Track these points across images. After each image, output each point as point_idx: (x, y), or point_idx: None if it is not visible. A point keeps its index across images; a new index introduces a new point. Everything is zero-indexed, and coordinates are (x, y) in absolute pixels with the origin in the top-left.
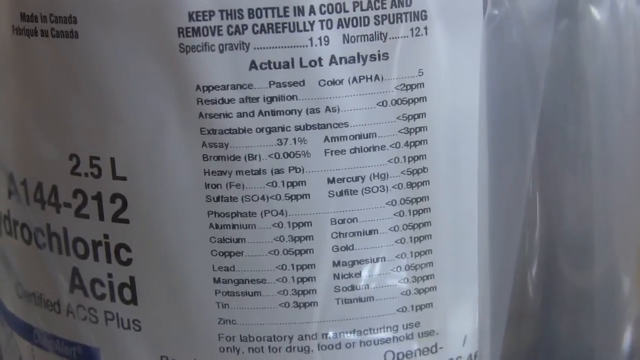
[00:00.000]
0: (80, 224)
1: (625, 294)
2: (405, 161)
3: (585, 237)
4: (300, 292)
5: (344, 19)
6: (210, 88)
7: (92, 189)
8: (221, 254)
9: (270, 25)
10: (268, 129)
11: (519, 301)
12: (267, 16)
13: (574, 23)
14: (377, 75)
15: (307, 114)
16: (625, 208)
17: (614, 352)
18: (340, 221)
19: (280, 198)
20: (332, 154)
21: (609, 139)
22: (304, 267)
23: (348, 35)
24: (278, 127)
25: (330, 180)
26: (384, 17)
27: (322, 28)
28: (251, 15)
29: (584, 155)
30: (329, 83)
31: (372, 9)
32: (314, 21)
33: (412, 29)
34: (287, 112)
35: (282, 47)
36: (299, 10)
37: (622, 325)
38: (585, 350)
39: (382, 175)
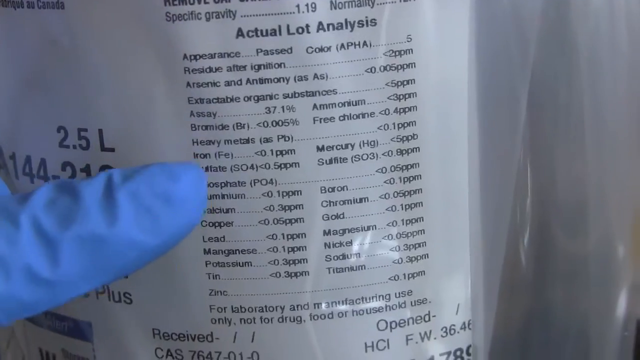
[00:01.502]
0: None
1: (619, 262)
2: (395, 128)
3: (578, 205)
4: (291, 262)
5: None
6: (197, 57)
7: (81, 161)
8: (211, 224)
9: None
10: (256, 98)
11: (511, 270)
12: None
13: None
14: (365, 42)
15: (295, 81)
16: (619, 174)
17: (608, 320)
18: (330, 189)
19: (269, 167)
20: (321, 122)
21: (601, 105)
22: (295, 236)
23: (335, 1)
24: (266, 96)
25: (320, 148)
26: None
27: None
28: None
29: (576, 121)
30: (317, 50)
31: None
32: None
33: None
34: (275, 80)
35: (268, 14)
36: None
37: (617, 293)
38: (579, 319)
39: (372, 143)
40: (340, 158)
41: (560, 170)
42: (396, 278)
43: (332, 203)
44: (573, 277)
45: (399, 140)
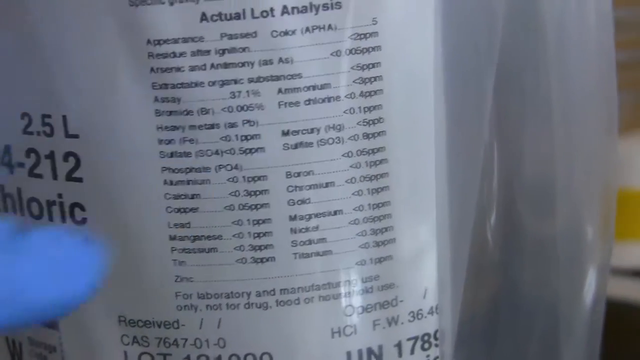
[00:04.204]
0: (34, 184)
1: (588, 242)
2: (360, 112)
3: (546, 185)
4: (257, 248)
5: None
6: (161, 42)
7: (45, 147)
8: (176, 210)
9: None
10: (221, 82)
11: (478, 251)
12: None
13: None
14: (330, 25)
15: (260, 65)
16: (587, 154)
17: (577, 301)
18: (296, 174)
19: (234, 152)
20: (286, 106)
21: (568, 84)
22: (260, 222)
23: None
24: (231, 80)
25: (285, 133)
26: None
27: None
28: None
29: (543, 101)
30: (282, 34)
31: None
32: None
33: None
34: (240, 65)
35: None
36: None
37: (585, 274)
38: (548, 300)
39: (338, 127)
40: (306, 142)
41: (528, 151)
42: (363, 263)
43: (297, 188)
44: (541, 257)
45: (365, 124)
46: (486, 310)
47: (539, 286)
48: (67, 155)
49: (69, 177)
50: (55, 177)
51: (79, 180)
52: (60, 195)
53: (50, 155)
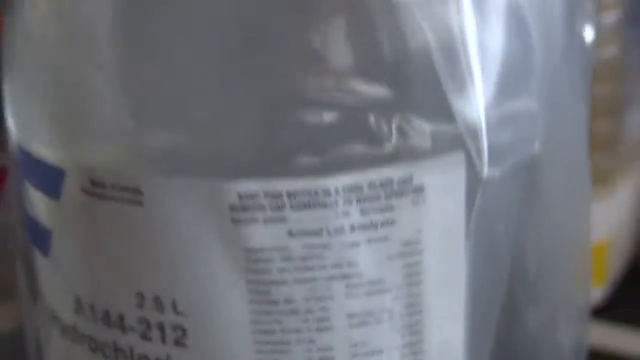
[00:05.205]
0: (145, 345)
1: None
2: (404, 297)
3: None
4: None
5: (361, 197)
6: (256, 251)
7: (156, 320)
8: None
9: (304, 204)
10: (302, 281)
11: None
12: (301, 197)
13: None
14: (385, 237)
15: (333, 268)
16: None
17: None
18: (357, 345)
19: (310, 330)
20: (351, 297)
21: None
22: None
23: (364, 209)
24: (310, 279)
25: (350, 316)
26: (392, 193)
27: (344, 205)
28: (289, 197)
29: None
30: (350, 245)
31: (382, 188)
32: (337, 200)
33: (413, 200)
34: (317, 268)
35: (313, 220)
36: (327, 193)
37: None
38: None
39: (389, 310)
40: (365, 322)
41: None
42: None
43: (358, 355)
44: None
45: (407, 306)
46: None
47: None
48: (175, 328)
49: (176, 343)
50: (164, 341)
51: (185, 345)
52: (168, 356)
53: (160, 326)
